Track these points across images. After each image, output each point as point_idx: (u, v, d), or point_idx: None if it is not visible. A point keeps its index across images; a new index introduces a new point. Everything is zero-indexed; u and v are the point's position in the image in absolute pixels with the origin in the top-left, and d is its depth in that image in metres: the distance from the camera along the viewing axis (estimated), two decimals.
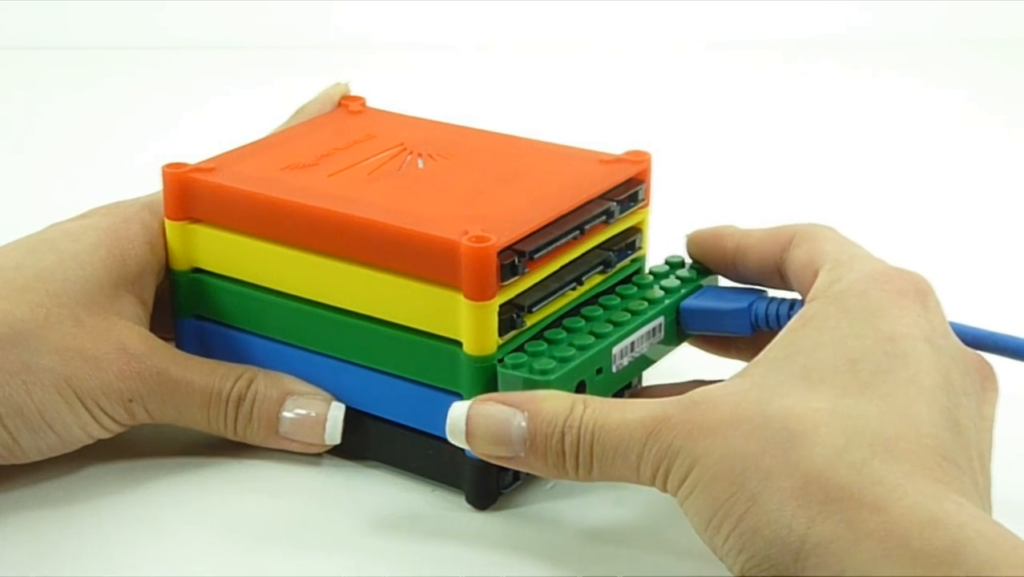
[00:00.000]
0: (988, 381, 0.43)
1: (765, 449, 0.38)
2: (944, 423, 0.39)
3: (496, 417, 0.42)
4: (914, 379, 0.39)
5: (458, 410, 0.43)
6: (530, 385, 0.44)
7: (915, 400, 0.39)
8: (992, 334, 0.46)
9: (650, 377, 0.52)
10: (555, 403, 0.42)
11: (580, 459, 0.41)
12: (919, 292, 0.43)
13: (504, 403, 0.42)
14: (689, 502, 0.39)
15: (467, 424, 0.43)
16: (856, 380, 0.39)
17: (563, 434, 0.41)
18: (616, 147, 0.52)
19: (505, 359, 0.45)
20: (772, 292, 0.50)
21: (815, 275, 0.45)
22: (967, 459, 0.39)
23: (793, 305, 0.48)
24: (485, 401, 0.43)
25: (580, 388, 0.45)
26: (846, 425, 0.38)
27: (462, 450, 0.46)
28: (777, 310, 0.48)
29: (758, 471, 0.37)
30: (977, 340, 0.45)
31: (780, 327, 0.47)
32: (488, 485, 0.47)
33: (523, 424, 0.42)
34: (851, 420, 0.38)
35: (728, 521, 0.37)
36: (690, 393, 0.40)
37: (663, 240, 0.54)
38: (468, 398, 0.45)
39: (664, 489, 0.40)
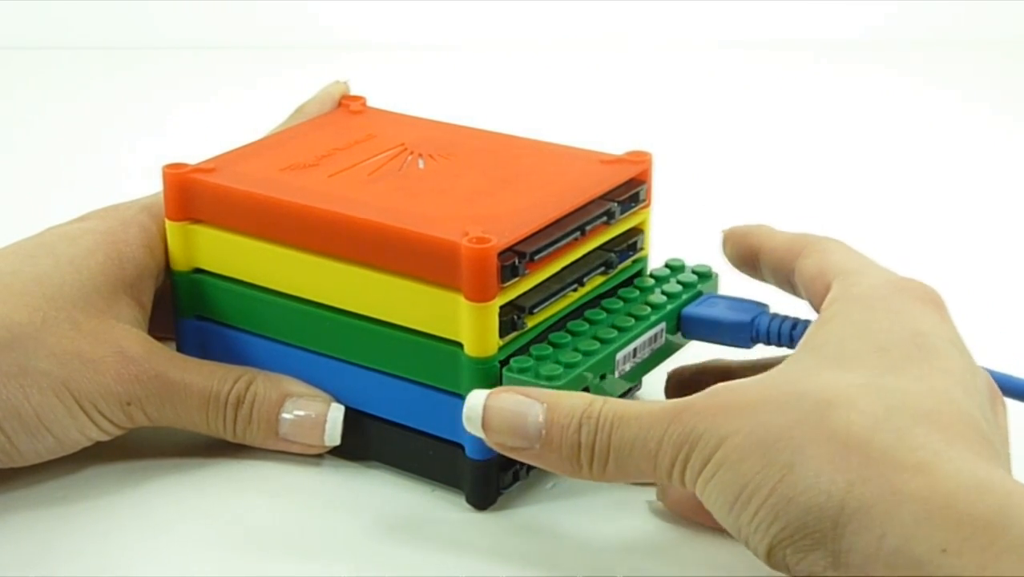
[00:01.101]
0: (997, 399, 0.43)
1: (799, 420, 0.37)
2: (978, 409, 0.38)
3: (513, 408, 0.42)
4: (945, 369, 0.39)
5: (476, 399, 0.43)
6: None
7: (950, 384, 0.38)
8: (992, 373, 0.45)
9: (650, 381, 0.52)
10: (574, 397, 0.42)
11: (596, 451, 0.40)
12: (935, 302, 0.42)
13: (523, 395, 0.42)
14: (712, 484, 0.38)
15: (484, 413, 0.42)
16: (889, 363, 0.39)
17: (580, 425, 0.41)
18: (616, 147, 0.52)
19: (511, 363, 0.45)
20: (774, 307, 0.49)
21: (826, 286, 0.44)
22: (1000, 446, 0.39)
23: (796, 325, 0.48)
24: (504, 391, 0.43)
25: None
26: (884, 397, 0.37)
27: (462, 450, 0.46)
28: (780, 327, 0.48)
29: (792, 440, 0.36)
30: None
31: (781, 344, 0.48)
32: (488, 485, 0.47)
33: (540, 417, 0.41)
34: (889, 393, 0.37)
35: (759, 494, 0.36)
36: (713, 386, 0.40)
37: (665, 241, 0.54)
38: None
39: (682, 479, 0.39)
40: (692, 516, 0.45)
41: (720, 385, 0.40)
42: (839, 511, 0.35)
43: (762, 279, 0.50)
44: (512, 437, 0.42)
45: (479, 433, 0.43)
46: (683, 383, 0.51)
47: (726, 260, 0.51)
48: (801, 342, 0.42)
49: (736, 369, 0.50)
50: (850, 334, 0.40)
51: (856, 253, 0.46)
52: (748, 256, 0.50)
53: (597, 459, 0.40)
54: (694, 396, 0.39)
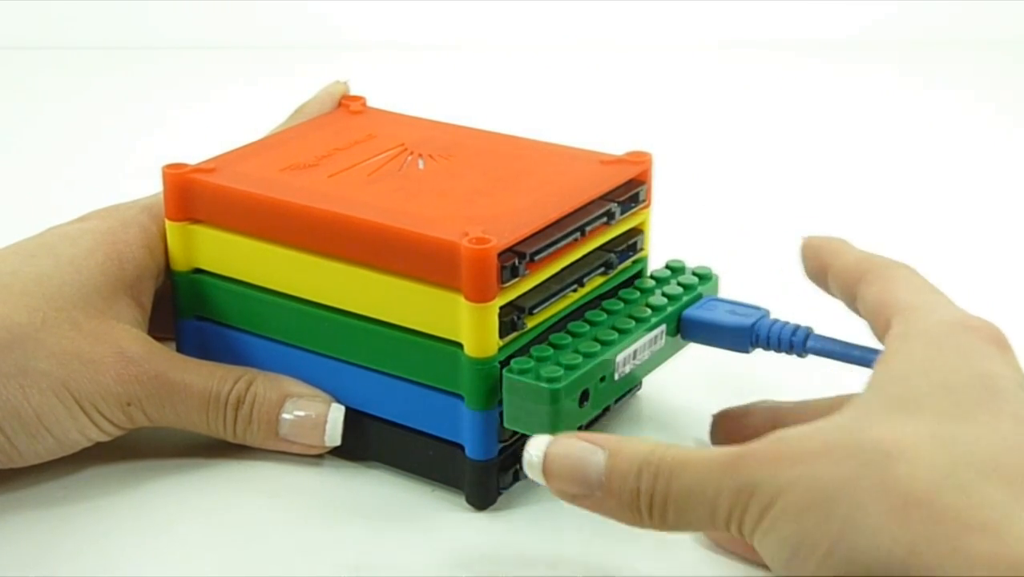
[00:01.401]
0: None
1: (859, 472, 0.35)
2: None
3: (576, 454, 0.40)
4: (1014, 414, 0.37)
5: (537, 446, 0.41)
6: (535, 391, 0.44)
7: (1019, 431, 0.36)
8: None
9: (650, 383, 0.52)
10: (637, 443, 0.40)
11: (655, 498, 0.38)
12: (1001, 343, 0.40)
13: (586, 440, 0.41)
14: (770, 538, 0.36)
15: (545, 460, 0.41)
16: (955, 407, 0.37)
17: (640, 471, 0.39)
18: (617, 147, 0.52)
19: (511, 364, 0.45)
20: (775, 313, 0.49)
21: (887, 321, 0.42)
22: None
23: (796, 331, 0.48)
24: (566, 437, 0.41)
25: (584, 396, 0.45)
26: (950, 448, 0.35)
27: (462, 450, 0.46)
28: (780, 333, 0.48)
29: (852, 495, 0.34)
30: None
31: (780, 350, 0.48)
32: (488, 485, 0.47)
33: (602, 462, 0.40)
34: (955, 443, 0.35)
35: (817, 552, 0.34)
36: (775, 432, 0.38)
37: (664, 241, 0.54)
38: (469, 399, 0.45)
39: (740, 530, 0.37)
40: (737, 550, 0.44)
41: (779, 432, 0.38)
42: (902, 572, 0.33)
43: (835, 296, 0.47)
44: (573, 484, 0.40)
45: (540, 480, 0.41)
46: (729, 425, 0.49)
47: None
48: (866, 384, 0.40)
49: (785, 411, 0.48)
50: (914, 372, 0.38)
51: (920, 283, 0.44)
52: (818, 272, 0.47)
53: (656, 507, 0.39)
54: (753, 443, 0.38)
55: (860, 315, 0.45)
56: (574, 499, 0.40)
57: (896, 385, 0.38)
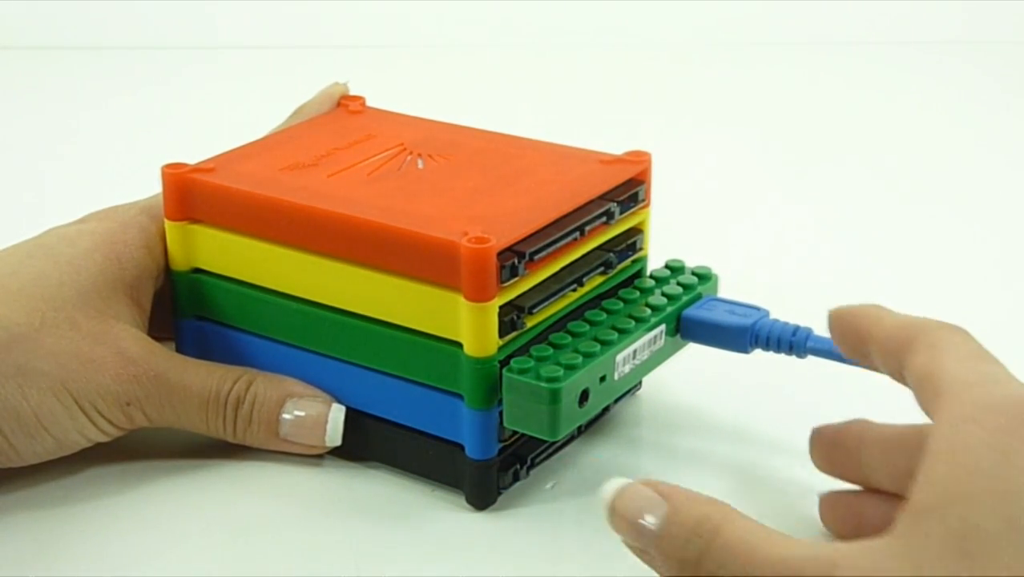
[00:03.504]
0: None
1: None
2: None
3: (635, 507, 0.37)
4: None
5: (608, 490, 0.38)
6: (535, 391, 0.44)
7: None
8: None
9: (649, 382, 0.52)
10: (697, 504, 0.37)
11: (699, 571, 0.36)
12: None
13: (652, 490, 0.37)
14: None
15: (612, 510, 0.38)
16: None
17: (687, 540, 0.36)
18: (616, 147, 0.52)
19: (511, 363, 0.45)
20: (774, 313, 0.49)
21: (935, 393, 0.37)
22: None
23: (796, 331, 0.48)
24: (638, 485, 0.38)
25: (584, 395, 0.45)
26: None
27: (462, 450, 0.46)
28: (780, 333, 0.48)
29: None
30: None
31: (780, 351, 0.48)
32: (488, 485, 0.47)
33: (655, 521, 0.37)
34: None
35: None
36: (826, 552, 0.34)
37: (664, 241, 0.54)
38: (469, 399, 0.45)
39: None
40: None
41: (834, 553, 0.34)
42: None
43: (877, 370, 0.42)
44: (632, 538, 0.37)
45: (608, 522, 0.38)
46: (828, 442, 0.45)
47: (834, 337, 0.43)
48: (925, 478, 0.34)
49: (876, 432, 0.44)
50: (979, 492, 0.33)
51: (972, 350, 0.38)
52: (857, 343, 0.42)
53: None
54: (834, 552, 0.34)
55: (904, 383, 0.40)
56: (639, 554, 0.38)
57: (958, 509, 0.33)
